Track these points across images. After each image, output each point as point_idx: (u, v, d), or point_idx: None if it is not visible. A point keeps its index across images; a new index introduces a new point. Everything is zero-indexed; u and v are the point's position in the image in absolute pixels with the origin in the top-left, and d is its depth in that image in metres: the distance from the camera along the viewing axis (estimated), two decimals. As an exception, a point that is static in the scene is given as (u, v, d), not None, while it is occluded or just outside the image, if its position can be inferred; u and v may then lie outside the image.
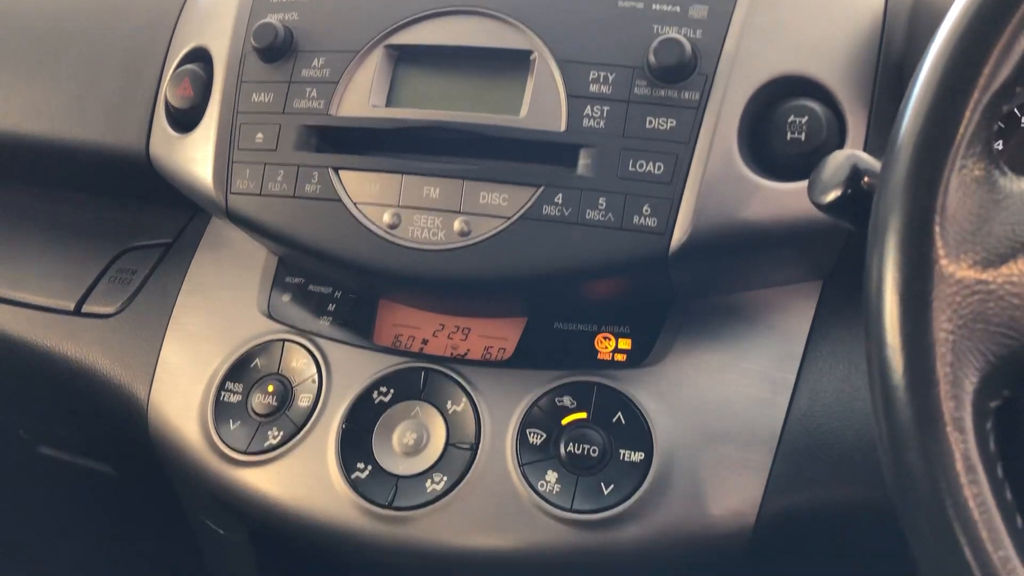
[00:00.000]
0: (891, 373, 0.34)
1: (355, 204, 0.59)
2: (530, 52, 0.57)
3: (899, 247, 0.35)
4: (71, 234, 0.80)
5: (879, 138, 0.55)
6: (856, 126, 0.55)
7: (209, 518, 0.68)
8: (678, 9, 0.56)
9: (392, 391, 0.61)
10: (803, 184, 0.52)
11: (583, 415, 0.58)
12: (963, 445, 0.34)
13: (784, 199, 0.54)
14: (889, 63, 0.56)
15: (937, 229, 0.35)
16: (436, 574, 0.61)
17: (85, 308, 0.74)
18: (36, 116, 0.75)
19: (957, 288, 0.35)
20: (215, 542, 0.70)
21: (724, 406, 0.58)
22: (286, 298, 0.67)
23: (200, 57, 0.67)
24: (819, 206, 0.51)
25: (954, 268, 0.35)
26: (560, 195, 0.55)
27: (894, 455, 0.34)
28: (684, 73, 0.54)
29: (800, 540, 0.58)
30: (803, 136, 0.54)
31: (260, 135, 0.61)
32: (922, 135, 0.36)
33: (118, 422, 0.70)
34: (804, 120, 0.54)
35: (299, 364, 0.64)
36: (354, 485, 0.59)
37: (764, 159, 0.55)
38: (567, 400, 0.59)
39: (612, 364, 0.60)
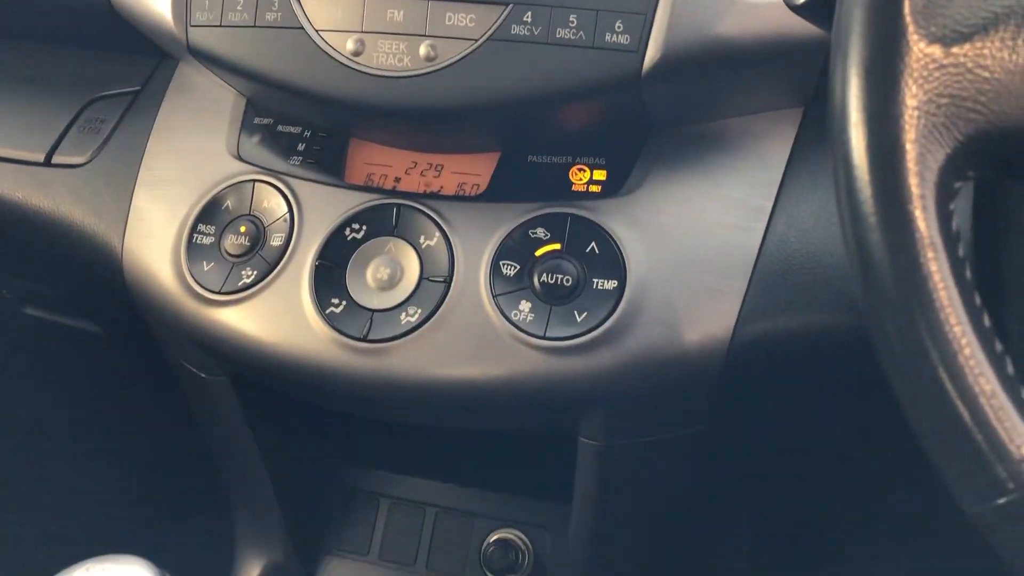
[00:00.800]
0: (855, 149, 0.33)
1: (317, 31, 0.57)
2: None
3: (867, 21, 0.34)
4: (37, 86, 0.77)
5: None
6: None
7: (190, 362, 0.68)
8: None
9: (364, 227, 0.60)
10: (779, -7, 0.50)
11: (557, 246, 0.57)
12: (926, 223, 0.33)
13: (760, 12, 0.52)
14: None
15: (906, 2, 0.34)
16: (413, 404, 0.61)
17: (55, 159, 0.73)
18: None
19: (925, 62, 0.33)
20: (198, 388, 0.70)
21: (699, 233, 0.57)
22: (255, 139, 0.65)
23: None
24: (792, 7, 0.49)
25: (923, 43, 0.34)
26: (529, 13, 0.53)
27: (856, 233, 0.33)
28: None
29: (773, 367, 0.58)
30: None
31: (218, -36, 0.59)
32: None
33: (95, 272, 0.70)
34: None
35: (270, 204, 0.63)
36: (329, 319, 0.58)
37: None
38: (540, 232, 0.58)
39: (586, 195, 0.59)
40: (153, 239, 0.65)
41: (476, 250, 0.58)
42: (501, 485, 0.73)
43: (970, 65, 0.34)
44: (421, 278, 0.58)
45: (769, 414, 0.70)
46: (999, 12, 0.34)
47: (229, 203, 0.63)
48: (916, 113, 0.33)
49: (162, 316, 0.65)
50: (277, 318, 0.60)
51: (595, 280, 0.56)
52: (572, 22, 0.53)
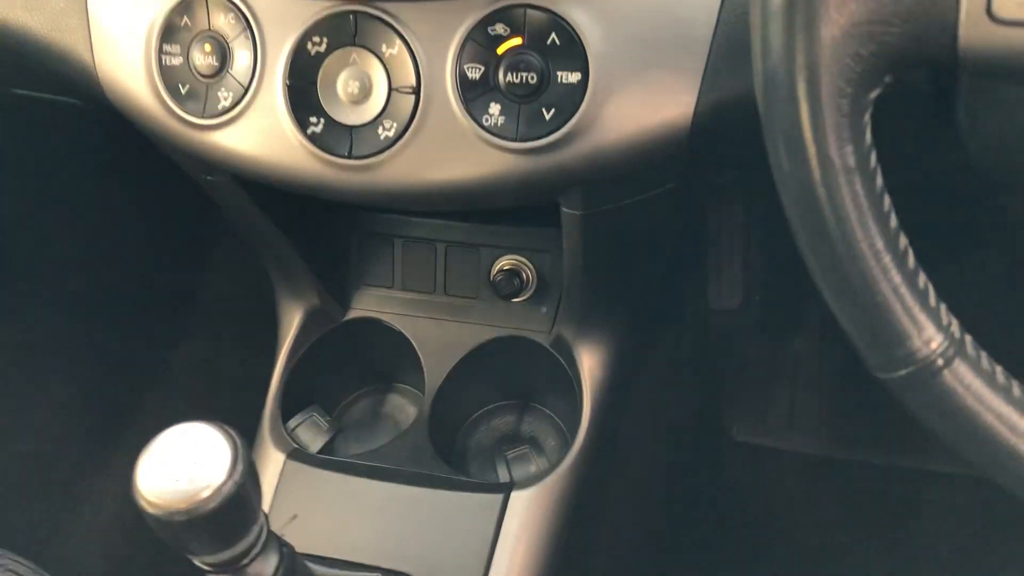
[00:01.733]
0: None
1: None
2: None
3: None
4: None
5: None
6: None
7: (188, 168, 0.72)
8: None
9: (325, 39, 0.60)
10: None
11: (519, 40, 0.58)
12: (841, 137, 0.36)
13: None
14: None
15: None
16: (402, 206, 0.66)
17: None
18: None
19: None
20: (203, 182, 0.74)
21: (656, 12, 0.57)
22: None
23: None
24: None
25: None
26: None
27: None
28: None
29: (736, 131, 0.61)
30: None
31: None
32: None
33: (77, 84, 0.71)
34: None
35: (227, 19, 0.62)
36: (312, 139, 0.61)
37: None
38: (500, 27, 0.58)
39: (542, -13, 0.57)
40: (122, 59, 0.66)
41: (439, 55, 0.59)
42: (501, 219, 0.80)
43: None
44: (390, 89, 0.60)
45: (736, 164, 0.73)
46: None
47: (187, 19, 0.63)
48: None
49: (153, 135, 0.68)
50: (263, 140, 0.63)
51: (559, 73, 0.58)
52: None
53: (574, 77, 0.57)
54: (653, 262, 0.82)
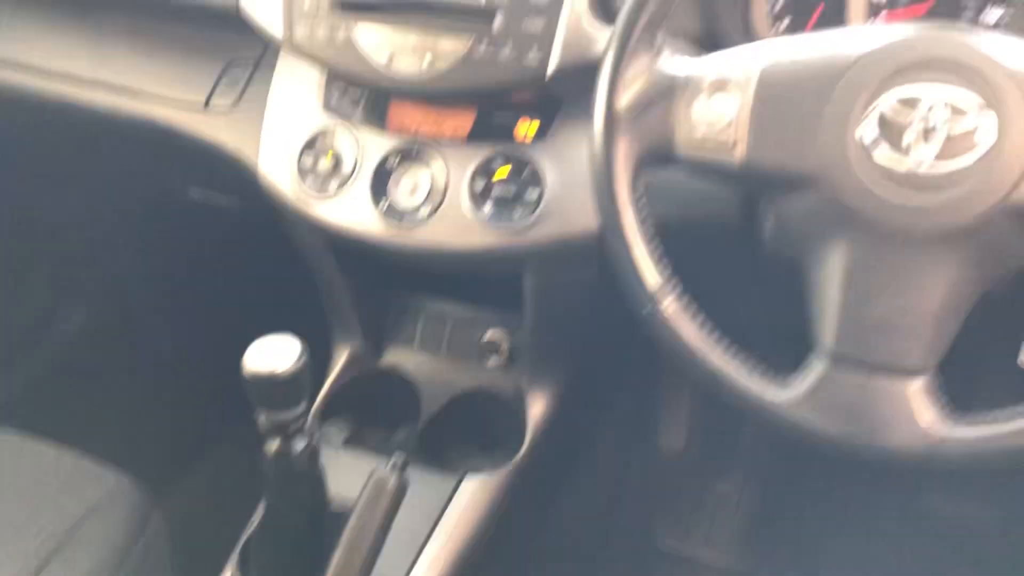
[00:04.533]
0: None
1: (364, 48, 0.98)
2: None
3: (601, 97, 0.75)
4: (188, 49, 1.19)
5: None
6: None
7: (300, 234, 1.14)
8: None
9: (399, 158, 1.04)
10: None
11: (506, 170, 1.00)
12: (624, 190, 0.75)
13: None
14: None
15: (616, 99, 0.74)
16: (427, 260, 1.06)
17: (211, 104, 1.17)
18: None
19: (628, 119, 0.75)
20: (307, 247, 1.16)
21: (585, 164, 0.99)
22: (334, 98, 1.08)
23: None
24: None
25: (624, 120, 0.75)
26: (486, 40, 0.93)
27: (599, 202, 0.76)
28: None
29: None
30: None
31: (307, 2, 1.00)
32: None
33: (242, 178, 1.14)
34: None
35: (345, 141, 1.06)
36: (382, 211, 1.03)
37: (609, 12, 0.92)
38: (496, 163, 1.00)
39: (524, 143, 1.00)
40: (277, 160, 1.10)
41: (461, 173, 1.01)
42: (491, 303, 1.19)
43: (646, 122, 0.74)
44: (431, 188, 1.02)
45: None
46: (660, 91, 0.74)
47: (321, 139, 1.07)
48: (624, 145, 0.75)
49: (284, 207, 1.10)
50: (351, 210, 1.05)
51: (527, 190, 0.99)
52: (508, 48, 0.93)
53: (535, 194, 0.99)
54: (586, 332, 1.19)
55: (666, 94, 0.75)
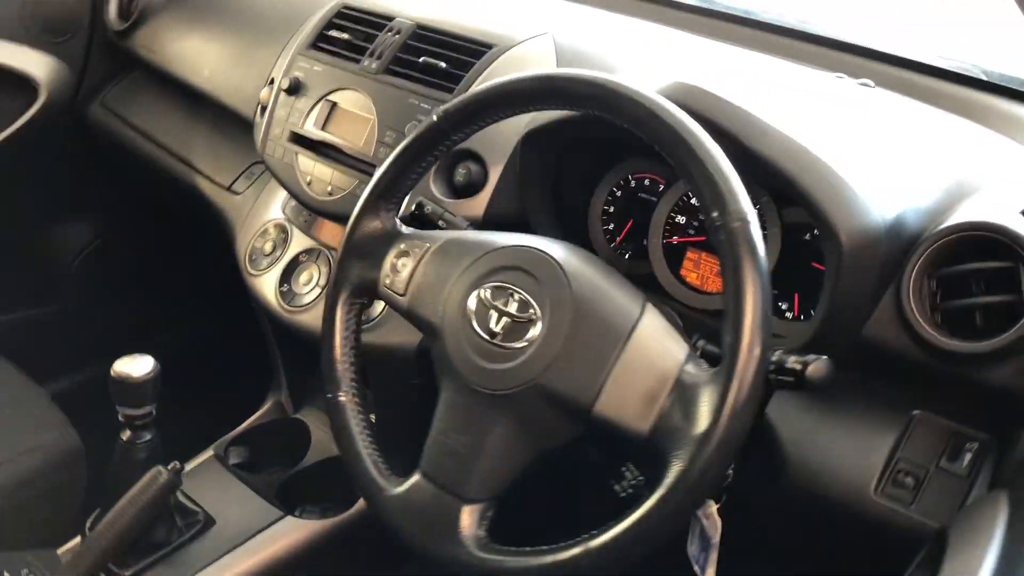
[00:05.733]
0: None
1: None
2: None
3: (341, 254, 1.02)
4: (225, 138, 1.59)
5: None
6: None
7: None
8: None
9: (307, 256, 1.35)
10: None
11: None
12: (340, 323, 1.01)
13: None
14: None
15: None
16: (308, 340, 1.35)
17: (232, 188, 1.56)
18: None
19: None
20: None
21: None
22: (292, 204, 1.42)
23: None
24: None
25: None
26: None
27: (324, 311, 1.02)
28: None
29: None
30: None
31: (274, 130, 1.35)
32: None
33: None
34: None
35: (281, 236, 1.39)
36: (281, 291, 1.34)
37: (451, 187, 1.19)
38: None
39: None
40: (245, 241, 1.45)
41: (337, 278, 1.31)
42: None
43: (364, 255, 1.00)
44: (320, 284, 1.32)
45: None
46: (382, 241, 1.00)
47: (269, 230, 1.41)
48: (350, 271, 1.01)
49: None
50: (268, 285, 1.37)
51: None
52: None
53: (381, 306, 1.26)
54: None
55: (386, 243, 1.00)
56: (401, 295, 0.97)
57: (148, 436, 1.21)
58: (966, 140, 1.12)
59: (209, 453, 1.44)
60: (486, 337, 0.89)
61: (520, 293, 0.88)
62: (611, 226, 1.21)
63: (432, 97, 1.20)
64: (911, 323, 0.92)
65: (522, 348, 0.87)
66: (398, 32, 1.29)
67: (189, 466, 1.40)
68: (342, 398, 1.00)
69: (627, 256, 1.20)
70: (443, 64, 1.22)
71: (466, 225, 1.07)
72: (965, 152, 1.09)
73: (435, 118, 0.97)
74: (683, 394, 0.81)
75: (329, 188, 1.27)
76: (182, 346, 1.92)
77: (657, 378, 0.82)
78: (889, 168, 1.00)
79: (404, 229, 1.01)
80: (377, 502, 0.95)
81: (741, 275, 0.77)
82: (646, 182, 1.18)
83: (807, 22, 1.35)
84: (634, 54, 1.25)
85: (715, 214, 0.80)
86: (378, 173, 1.01)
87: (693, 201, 1.14)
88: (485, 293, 0.90)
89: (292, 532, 1.32)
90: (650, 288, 1.12)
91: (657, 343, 0.84)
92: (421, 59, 1.24)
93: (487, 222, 1.17)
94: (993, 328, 0.90)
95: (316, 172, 1.29)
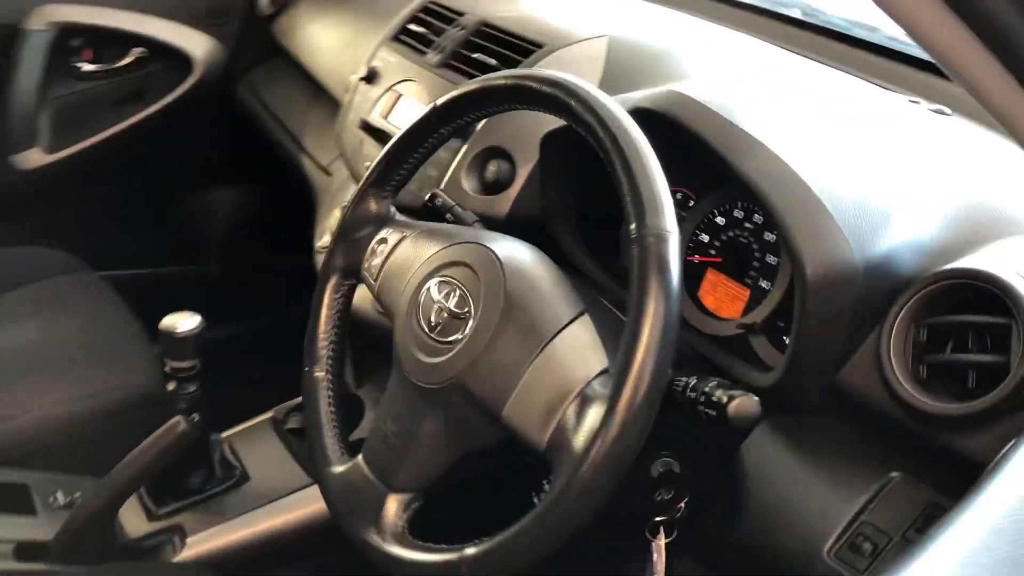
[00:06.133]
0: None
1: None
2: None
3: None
4: (331, 121, 1.68)
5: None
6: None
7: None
8: None
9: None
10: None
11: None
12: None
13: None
14: None
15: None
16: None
17: (328, 168, 1.64)
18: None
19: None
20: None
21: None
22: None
23: None
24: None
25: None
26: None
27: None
28: None
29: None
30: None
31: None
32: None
33: None
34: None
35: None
36: None
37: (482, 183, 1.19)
38: None
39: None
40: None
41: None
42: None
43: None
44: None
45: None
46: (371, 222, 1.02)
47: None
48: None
49: None
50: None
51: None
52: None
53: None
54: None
55: (374, 229, 1.02)
56: (373, 280, 0.99)
57: (191, 388, 1.30)
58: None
59: (268, 415, 1.52)
60: (426, 330, 0.89)
61: (462, 289, 0.88)
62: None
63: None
64: (887, 376, 0.83)
65: (452, 343, 0.87)
66: (463, 28, 1.31)
67: (246, 425, 1.50)
68: (317, 374, 1.03)
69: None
70: (493, 61, 1.23)
71: (472, 220, 1.07)
72: (1014, 198, 0.96)
73: (427, 111, 0.98)
74: (580, 409, 0.77)
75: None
76: (293, 316, 2.05)
77: (560, 390, 0.79)
78: (903, 201, 0.90)
79: (398, 217, 1.03)
80: (321, 477, 0.97)
81: (645, 291, 0.73)
82: (678, 196, 1.13)
83: (897, 39, 1.24)
84: (690, 59, 1.20)
85: (633, 225, 0.76)
86: (374, 162, 1.03)
87: (718, 220, 1.08)
88: (433, 286, 0.90)
89: (317, 501, 1.38)
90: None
91: (574, 353, 0.81)
92: (475, 55, 1.25)
93: (511, 220, 1.17)
94: (983, 390, 0.80)
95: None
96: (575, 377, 0.79)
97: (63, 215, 1.95)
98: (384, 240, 1.00)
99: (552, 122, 1.10)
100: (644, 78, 1.14)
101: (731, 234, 1.06)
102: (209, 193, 2.17)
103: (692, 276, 1.09)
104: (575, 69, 1.18)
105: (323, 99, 1.73)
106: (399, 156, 1.01)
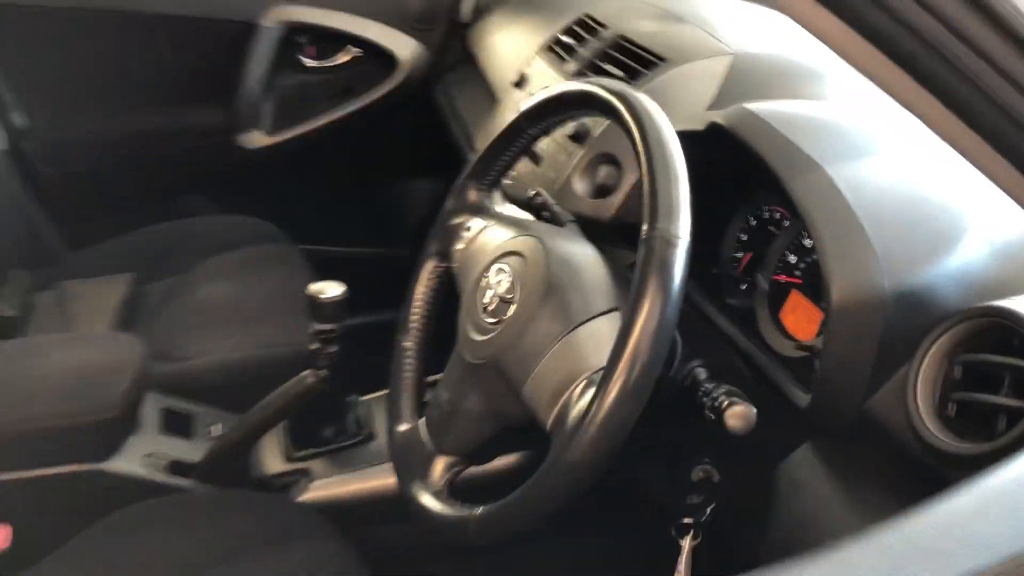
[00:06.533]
0: None
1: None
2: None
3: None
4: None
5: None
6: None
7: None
8: None
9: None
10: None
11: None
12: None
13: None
14: None
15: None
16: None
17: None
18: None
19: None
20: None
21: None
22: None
23: None
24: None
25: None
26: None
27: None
28: None
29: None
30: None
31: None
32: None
33: None
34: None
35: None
36: None
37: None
38: None
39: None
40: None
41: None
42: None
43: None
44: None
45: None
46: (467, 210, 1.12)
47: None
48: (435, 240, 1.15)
49: None
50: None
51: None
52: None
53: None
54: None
55: (467, 218, 1.12)
56: (455, 264, 1.09)
57: (330, 349, 1.46)
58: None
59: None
60: (479, 310, 0.98)
61: (513, 275, 0.96)
62: (740, 255, 1.19)
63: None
64: (910, 411, 0.81)
65: (496, 324, 0.94)
66: (602, 40, 1.37)
67: (382, 392, 1.64)
68: (405, 344, 1.15)
69: (743, 288, 1.17)
70: (620, 72, 1.29)
71: (567, 220, 1.14)
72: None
73: (517, 114, 1.06)
74: (581, 393, 0.83)
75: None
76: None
77: (571, 374, 0.85)
78: (954, 233, 0.87)
79: (495, 207, 1.12)
80: (390, 432, 1.09)
81: (643, 291, 0.77)
82: (776, 215, 1.14)
83: None
84: (812, 79, 1.20)
85: (646, 226, 0.80)
86: (474, 158, 1.13)
87: (806, 242, 1.08)
88: (492, 272, 0.99)
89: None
90: (745, 323, 1.09)
91: (593, 343, 0.86)
92: (606, 66, 1.31)
93: (615, 224, 1.22)
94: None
95: (519, 165, 1.43)
96: (586, 364, 0.85)
97: (275, 191, 2.20)
98: (468, 228, 1.09)
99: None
100: (758, 97, 1.15)
101: (814, 257, 1.06)
102: (406, 183, 2.35)
103: (778, 296, 1.10)
104: (690, 84, 1.21)
105: (494, 103, 1.85)
106: (494, 153, 1.10)
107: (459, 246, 1.09)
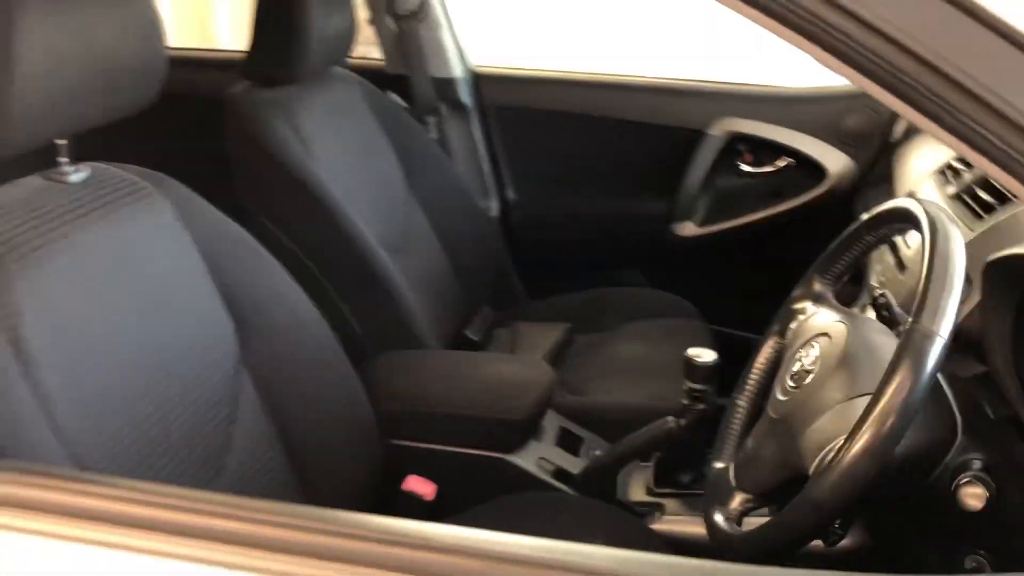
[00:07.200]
0: None
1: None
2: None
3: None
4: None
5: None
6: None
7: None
8: None
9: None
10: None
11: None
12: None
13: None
14: None
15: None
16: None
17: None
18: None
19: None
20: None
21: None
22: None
23: None
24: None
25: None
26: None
27: None
28: None
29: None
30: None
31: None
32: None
33: None
34: None
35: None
36: None
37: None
38: None
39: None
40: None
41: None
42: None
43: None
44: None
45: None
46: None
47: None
48: None
49: None
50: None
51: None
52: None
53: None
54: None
55: (810, 301, 1.31)
56: (786, 339, 1.30)
57: (698, 407, 1.71)
58: None
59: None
60: (787, 377, 1.18)
61: (819, 351, 1.15)
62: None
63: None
64: None
65: (795, 388, 1.14)
66: (978, 171, 1.48)
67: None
68: (739, 402, 1.37)
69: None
70: (991, 199, 1.40)
71: (905, 320, 1.28)
72: None
73: (858, 222, 1.25)
74: (839, 449, 1.00)
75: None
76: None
77: (837, 431, 1.02)
78: None
79: (830, 296, 1.31)
80: (710, 467, 1.32)
81: (894, 371, 0.94)
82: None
83: None
84: None
85: (911, 317, 0.96)
86: (824, 253, 1.33)
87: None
88: (805, 347, 1.19)
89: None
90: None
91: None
92: (981, 193, 1.43)
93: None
94: None
95: (887, 272, 1.58)
96: (850, 427, 1.02)
97: (698, 275, 2.52)
98: (804, 311, 1.29)
99: (997, 249, 1.25)
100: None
101: None
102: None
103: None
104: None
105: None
106: (838, 251, 1.30)
107: (792, 325, 1.30)
